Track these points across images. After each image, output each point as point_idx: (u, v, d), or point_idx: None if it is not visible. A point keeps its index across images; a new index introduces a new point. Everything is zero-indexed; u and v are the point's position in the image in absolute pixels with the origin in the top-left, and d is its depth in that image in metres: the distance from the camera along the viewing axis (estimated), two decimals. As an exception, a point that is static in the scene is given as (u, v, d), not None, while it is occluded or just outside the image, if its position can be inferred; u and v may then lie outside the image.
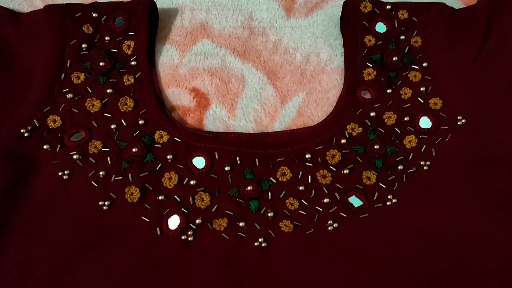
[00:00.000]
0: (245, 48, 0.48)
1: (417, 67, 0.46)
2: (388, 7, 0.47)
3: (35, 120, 0.42)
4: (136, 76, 0.45)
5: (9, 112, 0.42)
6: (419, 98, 0.45)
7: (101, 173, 0.41)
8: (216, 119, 0.46)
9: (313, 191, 0.42)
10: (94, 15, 0.45)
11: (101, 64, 0.44)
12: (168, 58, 0.48)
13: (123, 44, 0.46)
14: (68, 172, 0.41)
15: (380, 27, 0.47)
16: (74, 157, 0.42)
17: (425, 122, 0.45)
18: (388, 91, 0.45)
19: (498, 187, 0.42)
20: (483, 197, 0.42)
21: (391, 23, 0.47)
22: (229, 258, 0.40)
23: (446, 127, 0.44)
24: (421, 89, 0.45)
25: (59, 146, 0.42)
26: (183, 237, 0.40)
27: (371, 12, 0.47)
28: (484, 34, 0.46)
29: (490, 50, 0.45)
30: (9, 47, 0.45)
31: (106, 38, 0.45)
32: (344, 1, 0.48)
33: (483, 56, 0.45)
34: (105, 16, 0.46)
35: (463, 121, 0.44)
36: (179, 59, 0.48)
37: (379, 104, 0.45)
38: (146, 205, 0.41)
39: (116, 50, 0.45)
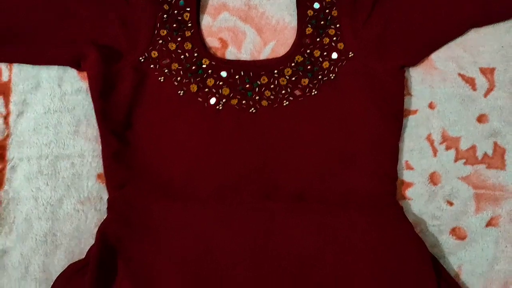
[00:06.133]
0: (246, 16, 0.92)
1: (333, 27, 0.84)
2: None
3: (145, 53, 0.86)
4: (191, 31, 0.88)
5: (130, 50, 0.86)
6: (332, 43, 0.83)
7: (178, 78, 0.87)
8: (231, 54, 0.91)
9: (277, 87, 0.86)
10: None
11: (174, 25, 0.88)
12: (206, 22, 0.91)
13: (184, 14, 0.89)
14: (162, 77, 0.86)
15: (316, 5, 0.83)
16: (165, 70, 0.86)
17: (334, 55, 0.83)
18: (318, 39, 0.87)
19: (372, 93, 0.80)
20: (362, 98, 0.81)
21: (321, 2, 0.88)
22: (237, 117, 0.84)
23: (343, 57, 0.84)
24: (334, 38, 0.84)
25: (158, 65, 0.85)
26: (217, 107, 0.84)
27: None
28: (373, 4, 0.82)
29: (374, 14, 0.87)
30: (123, 15, 0.87)
31: (175, 11, 0.89)
32: (298, -9, 0.90)
33: (370, 19, 0.87)
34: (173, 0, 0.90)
35: (352, 54, 0.86)
36: (212, 23, 0.92)
37: (312, 46, 0.87)
38: (199, 93, 0.86)
39: (180, 18, 0.88)
